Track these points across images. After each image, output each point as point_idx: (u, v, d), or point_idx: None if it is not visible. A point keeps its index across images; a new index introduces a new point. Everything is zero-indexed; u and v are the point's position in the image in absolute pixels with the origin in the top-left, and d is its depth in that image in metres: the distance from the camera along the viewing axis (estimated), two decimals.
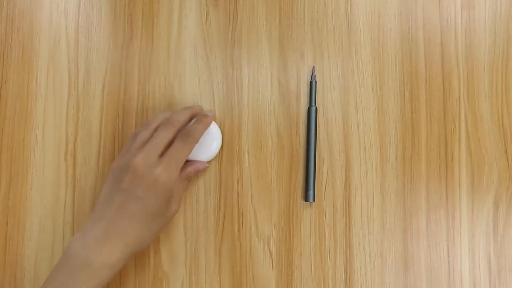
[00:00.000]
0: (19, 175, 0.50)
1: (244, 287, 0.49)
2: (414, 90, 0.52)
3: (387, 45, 0.52)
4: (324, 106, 0.51)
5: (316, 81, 0.51)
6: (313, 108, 0.50)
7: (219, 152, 0.50)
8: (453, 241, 0.49)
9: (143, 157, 0.42)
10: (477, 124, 0.51)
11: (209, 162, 0.50)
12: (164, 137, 0.44)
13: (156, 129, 0.45)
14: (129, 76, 0.52)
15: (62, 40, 0.53)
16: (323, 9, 0.53)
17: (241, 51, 0.52)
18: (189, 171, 0.47)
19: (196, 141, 0.45)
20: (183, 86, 0.52)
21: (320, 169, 0.50)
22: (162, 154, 0.43)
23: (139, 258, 0.49)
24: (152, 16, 0.53)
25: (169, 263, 0.49)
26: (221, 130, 0.50)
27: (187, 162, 0.48)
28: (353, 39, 0.52)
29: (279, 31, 0.52)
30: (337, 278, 0.48)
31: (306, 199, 0.49)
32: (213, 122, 0.50)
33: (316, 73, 0.52)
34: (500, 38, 0.52)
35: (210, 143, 0.49)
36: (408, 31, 0.52)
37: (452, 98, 0.51)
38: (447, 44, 0.52)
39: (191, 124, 0.47)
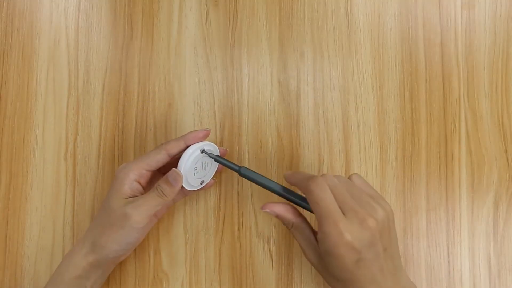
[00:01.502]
0: (19, 175, 0.50)
1: (244, 287, 0.49)
2: (414, 90, 0.52)
3: (387, 45, 0.52)
4: (324, 106, 0.51)
5: (219, 154, 0.46)
6: (243, 169, 0.45)
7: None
8: (453, 241, 0.49)
9: None
10: (477, 124, 0.51)
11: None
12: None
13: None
14: (129, 76, 0.52)
15: (62, 40, 0.53)
16: (323, 9, 0.53)
17: (241, 51, 0.52)
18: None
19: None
20: (183, 86, 0.52)
21: (320, 169, 0.50)
22: None
23: (139, 258, 0.49)
24: (152, 16, 0.53)
25: (169, 263, 0.49)
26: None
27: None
28: (353, 39, 0.52)
29: (279, 31, 0.52)
30: None
31: None
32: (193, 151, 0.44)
33: (316, 73, 0.52)
34: (500, 38, 0.52)
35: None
36: (408, 31, 0.52)
37: (452, 98, 0.51)
38: (447, 44, 0.52)
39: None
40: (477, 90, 0.51)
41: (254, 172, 0.44)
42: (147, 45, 0.52)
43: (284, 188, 0.43)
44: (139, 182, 0.44)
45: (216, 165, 0.48)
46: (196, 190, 0.47)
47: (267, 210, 0.43)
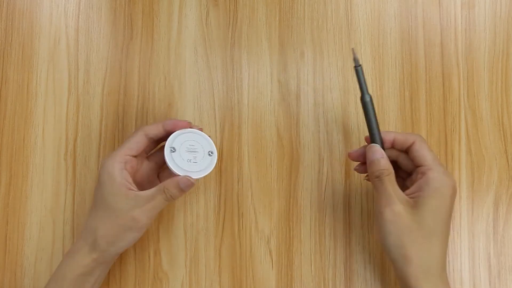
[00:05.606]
0: (19, 175, 0.50)
1: (244, 287, 0.49)
2: (414, 90, 0.52)
3: (387, 45, 0.52)
4: (324, 106, 0.51)
5: (360, 66, 0.44)
6: (367, 97, 0.44)
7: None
8: (453, 241, 0.49)
9: None
10: (477, 124, 0.51)
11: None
12: None
13: None
14: (129, 76, 0.52)
15: (62, 40, 0.53)
16: (323, 9, 0.53)
17: (241, 51, 0.52)
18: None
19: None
20: (183, 86, 0.52)
21: (320, 169, 0.50)
22: None
23: (139, 258, 0.49)
24: (152, 16, 0.53)
25: (169, 263, 0.49)
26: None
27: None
28: (353, 39, 0.52)
29: (279, 31, 0.52)
30: (337, 278, 0.48)
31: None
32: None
33: (316, 73, 0.52)
34: (500, 38, 0.52)
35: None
36: (408, 31, 0.52)
37: (452, 98, 0.51)
38: (447, 44, 0.52)
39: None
40: (477, 90, 0.51)
41: (374, 113, 0.44)
42: (147, 45, 0.52)
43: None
44: (126, 170, 0.44)
45: (209, 163, 0.46)
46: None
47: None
